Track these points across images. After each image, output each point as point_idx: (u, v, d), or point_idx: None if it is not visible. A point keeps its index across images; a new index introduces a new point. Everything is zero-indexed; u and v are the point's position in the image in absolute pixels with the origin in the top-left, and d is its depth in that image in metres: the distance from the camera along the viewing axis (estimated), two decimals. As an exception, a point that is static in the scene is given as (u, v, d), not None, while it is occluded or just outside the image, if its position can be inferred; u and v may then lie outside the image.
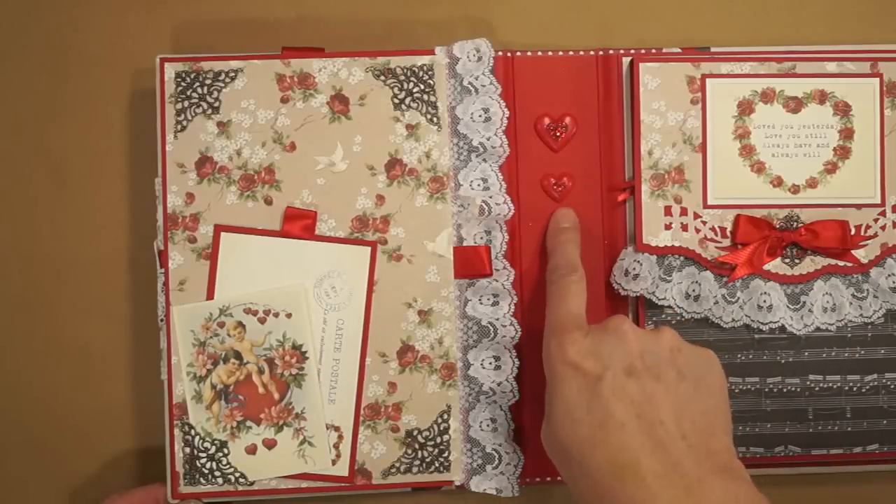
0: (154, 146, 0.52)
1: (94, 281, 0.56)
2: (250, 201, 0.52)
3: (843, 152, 0.54)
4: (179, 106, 0.52)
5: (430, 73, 0.52)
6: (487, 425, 0.52)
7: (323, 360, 0.52)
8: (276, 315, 0.52)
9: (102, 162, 0.57)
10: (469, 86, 0.52)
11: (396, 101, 0.52)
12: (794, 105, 0.54)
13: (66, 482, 0.56)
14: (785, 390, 0.54)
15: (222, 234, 0.52)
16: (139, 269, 0.56)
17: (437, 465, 0.52)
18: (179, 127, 0.52)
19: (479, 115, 0.52)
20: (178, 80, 0.52)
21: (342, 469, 0.52)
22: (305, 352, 0.52)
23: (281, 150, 0.52)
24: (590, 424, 0.41)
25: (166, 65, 0.52)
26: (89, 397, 0.56)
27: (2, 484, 0.56)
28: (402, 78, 0.52)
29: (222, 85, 0.52)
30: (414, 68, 0.52)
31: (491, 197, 0.52)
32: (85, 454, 0.56)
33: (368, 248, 0.52)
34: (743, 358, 0.54)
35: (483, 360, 0.52)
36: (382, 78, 0.52)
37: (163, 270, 0.52)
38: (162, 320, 0.52)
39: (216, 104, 0.52)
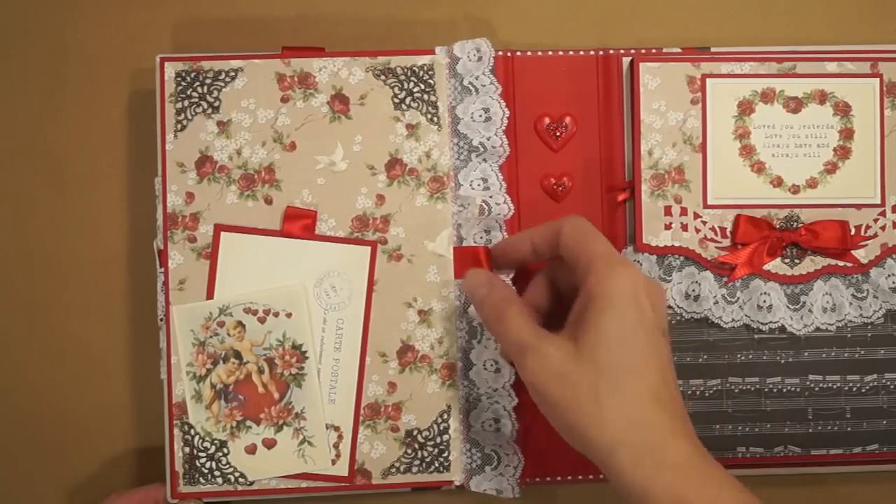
0: (154, 146, 0.52)
1: (94, 280, 0.56)
2: (250, 201, 0.52)
3: (843, 152, 0.54)
4: (179, 105, 0.52)
5: (430, 72, 0.52)
6: (490, 426, 0.52)
7: (323, 359, 0.52)
8: (276, 315, 0.52)
9: (102, 162, 0.57)
10: (469, 86, 0.52)
11: (397, 100, 0.52)
12: (795, 105, 0.54)
13: (66, 482, 0.56)
14: (785, 390, 0.54)
15: (222, 233, 0.52)
16: (139, 269, 0.56)
17: (436, 465, 0.52)
18: (179, 126, 0.52)
19: (480, 115, 0.52)
20: (178, 79, 0.52)
21: (342, 469, 0.52)
22: (305, 351, 0.52)
23: (281, 150, 0.52)
24: (641, 354, 0.42)
25: (166, 64, 0.52)
26: (89, 397, 0.56)
27: (2, 483, 0.56)
28: (403, 78, 0.52)
29: (222, 84, 0.52)
30: (414, 68, 0.52)
31: (491, 197, 0.52)
32: (85, 454, 0.56)
33: (368, 248, 0.52)
34: (743, 358, 0.54)
35: (484, 360, 0.52)
36: (383, 78, 0.52)
37: (162, 270, 0.52)
38: (162, 320, 0.52)
39: (216, 104, 0.52)
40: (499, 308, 0.46)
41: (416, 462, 0.52)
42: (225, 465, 0.51)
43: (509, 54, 0.54)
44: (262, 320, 0.52)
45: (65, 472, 0.56)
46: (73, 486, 0.56)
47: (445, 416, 0.52)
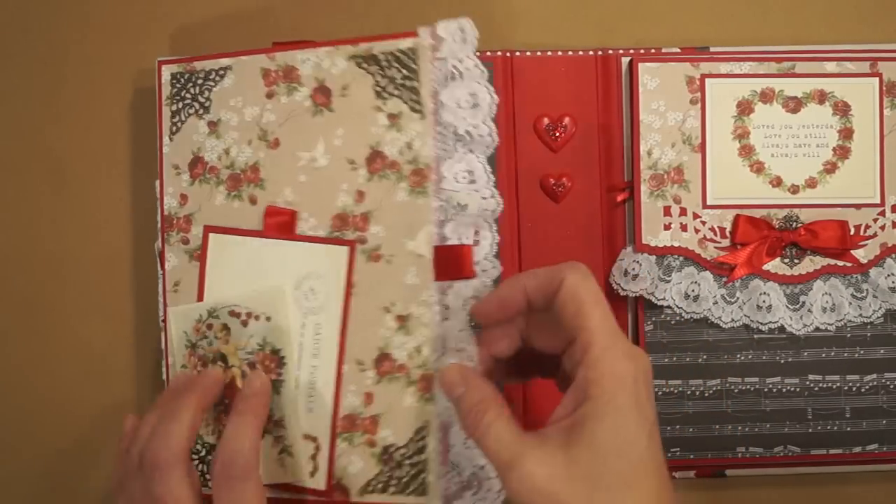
0: (155, 145, 0.53)
1: (95, 280, 0.56)
2: (237, 201, 0.50)
3: (842, 152, 0.54)
4: (175, 108, 0.51)
5: (412, 57, 0.47)
6: (470, 445, 0.47)
7: (301, 366, 0.49)
8: (258, 318, 0.49)
9: (103, 162, 0.57)
10: (454, 69, 0.48)
11: (378, 88, 0.48)
12: (794, 105, 0.54)
13: (66, 482, 0.56)
14: (784, 390, 0.54)
15: (210, 234, 0.50)
16: (140, 269, 0.56)
17: (413, 486, 0.47)
18: (175, 128, 0.51)
19: (466, 101, 0.48)
20: (174, 81, 0.51)
21: (319, 482, 0.48)
22: (283, 357, 0.49)
23: (265, 148, 0.50)
24: (640, 462, 0.38)
25: (163, 67, 0.51)
26: (90, 397, 0.56)
27: (2, 483, 0.56)
28: (385, 64, 0.48)
29: (213, 84, 0.50)
30: (396, 53, 0.48)
31: (478, 191, 0.48)
32: (86, 454, 0.56)
33: (346, 248, 0.48)
34: (742, 358, 0.54)
35: None
36: (365, 66, 0.48)
37: (162, 272, 0.52)
38: (162, 321, 0.52)
39: (207, 104, 0.51)
40: (475, 413, 0.40)
41: (394, 482, 0.47)
42: None
43: (509, 54, 0.54)
44: (244, 323, 0.49)
45: (65, 471, 0.56)
46: (74, 486, 0.56)
47: (423, 434, 0.47)
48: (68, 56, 0.57)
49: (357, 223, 0.48)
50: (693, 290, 0.53)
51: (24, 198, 0.57)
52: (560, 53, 0.55)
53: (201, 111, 0.51)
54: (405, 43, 0.48)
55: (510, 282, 0.43)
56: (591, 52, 0.55)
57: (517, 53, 0.54)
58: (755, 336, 0.54)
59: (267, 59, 0.50)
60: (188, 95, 0.51)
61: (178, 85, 0.51)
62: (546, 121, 0.54)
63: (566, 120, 0.54)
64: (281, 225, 0.49)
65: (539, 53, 0.55)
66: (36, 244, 0.57)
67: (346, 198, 0.48)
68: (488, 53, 0.54)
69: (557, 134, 0.54)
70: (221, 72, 0.50)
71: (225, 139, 0.50)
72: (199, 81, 0.51)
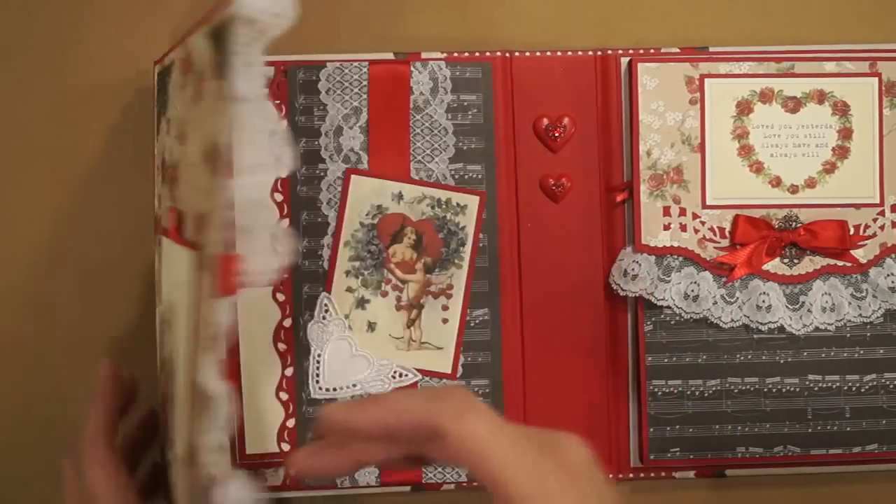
0: (153, 145, 0.53)
1: (96, 281, 0.56)
2: (170, 202, 0.45)
3: (841, 152, 0.54)
4: (158, 108, 0.49)
5: (229, 25, 0.36)
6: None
7: (178, 383, 0.42)
8: (171, 326, 0.44)
9: (103, 162, 0.57)
10: (260, 30, 0.35)
11: (217, 68, 0.37)
12: (793, 105, 0.54)
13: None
14: (784, 390, 0.54)
15: (162, 237, 0.46)
16: (140, 269, 0.56)
17: None
18: (158, 129, 0.49)
19: (253, 65, 0.35)
20: (159, 80, 0.49)
21: None
22: (174, 371, 0.42)
23: (179, 145, 0.43)
24: None
25: (156, 67, 0.50)
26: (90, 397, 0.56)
27: (2, 483, 0.56)
28: (219, 38, 0.37)
29: (168, 80, 0.46)
30: (224, 22, 0.36)
31: (265, 184, 0.39)
32: (85, 454, 0.56)
33: (196, 255, 0.39)
34: (742, 358, 0.54)
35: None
36: (213, 43, 0.38)
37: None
38: (161, 321, 0.52)
39: (167, 100, 0.47)
40: None
41: None
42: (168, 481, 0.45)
43: (508, 54, 0.54)
44: (167, 331, 0.45)
45: (65, 471, 0.56)
46: (73, 486, 0.56)
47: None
48: (68, 56, 0.57)
49: (202, 226, 0.39)
50: (693, 290, 0.53)
51: (23, 198, 0.57)
52: (559, 54, 0.55)
53: (163, 109, 0.48)
54: (228, 10, 0.36)
55: (367, 408, 0.36)
56: (590, 53, 0.55)
57: (516, 54, 0.54)
58: (755, 336, 0.54)
59: (181, 49, 0.43)
60: (161, 94, 0.48)
61: (160, 84, 0.49)
62: (545, 121, 0.54)
63: (565, 120, 0.54)
64: (171, 228, 0.43)
65: (538, 54, 0.55)
66: (35, 244, 0.56)
67: (199, 197, 0.40)
68: (487, 54, 0.54)
69: (557, 134, 0.54)
70: (172, 66, 0.45)
71: (170, 137, 0.45)
72: (166, 79, 0.47)
